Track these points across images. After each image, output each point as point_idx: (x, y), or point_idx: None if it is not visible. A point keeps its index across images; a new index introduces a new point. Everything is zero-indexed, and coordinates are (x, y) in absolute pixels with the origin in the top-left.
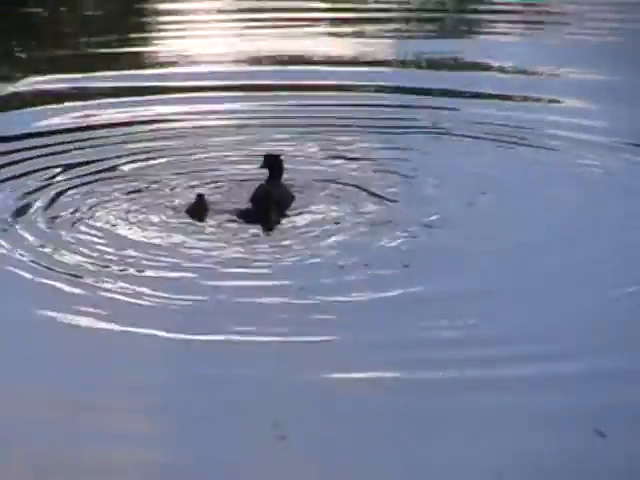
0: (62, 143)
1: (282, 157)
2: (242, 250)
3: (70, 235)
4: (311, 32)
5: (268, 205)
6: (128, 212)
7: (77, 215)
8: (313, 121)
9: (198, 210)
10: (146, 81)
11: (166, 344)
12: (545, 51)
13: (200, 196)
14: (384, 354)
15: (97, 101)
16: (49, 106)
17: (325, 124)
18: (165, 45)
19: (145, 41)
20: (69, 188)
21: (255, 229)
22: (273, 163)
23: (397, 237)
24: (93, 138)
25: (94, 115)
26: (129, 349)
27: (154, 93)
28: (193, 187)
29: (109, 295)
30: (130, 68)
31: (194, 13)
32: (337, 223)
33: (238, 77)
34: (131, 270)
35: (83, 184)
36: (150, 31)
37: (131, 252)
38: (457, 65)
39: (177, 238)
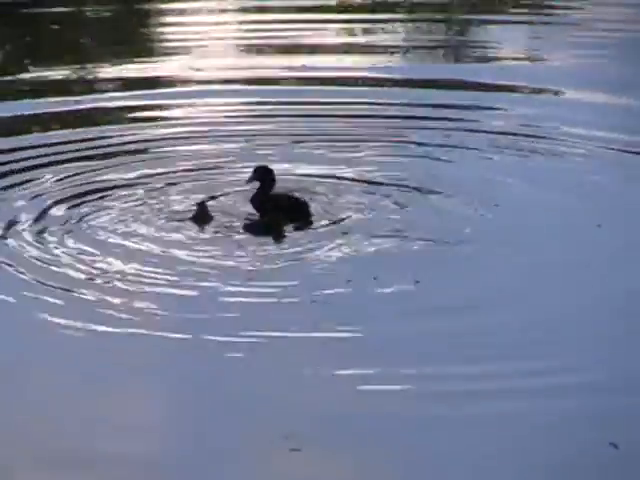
0: (55, 145)
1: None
2: (251, 262)
3: (66, 248)
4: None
5: (277, 215)
6: (126, 221)
7: (72, 225)
8: (318, 126)
9: (202, 218)
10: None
11: (177, 356)
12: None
13: (201, 204)
14: (398, 367)
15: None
16: (42, 99)
17: (329, 125)
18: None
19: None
20: (61, 197)
21: (263, 239)
22: (264, 175)
23: (408, 250)
24: (87, 140)
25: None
26: (138, 354)
27: (155, 87)
28: (191, 193)
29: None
30: (128, 63)
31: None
32: (344, 233)
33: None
34: (146, 287)
35: (77, 192)
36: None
37: (140, 266)
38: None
39: (185, 248)
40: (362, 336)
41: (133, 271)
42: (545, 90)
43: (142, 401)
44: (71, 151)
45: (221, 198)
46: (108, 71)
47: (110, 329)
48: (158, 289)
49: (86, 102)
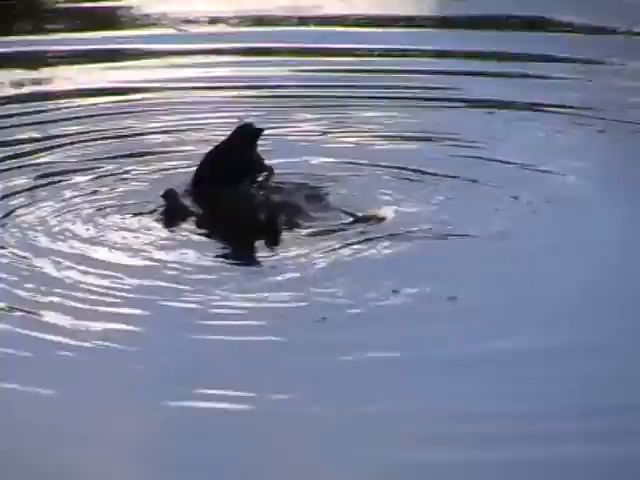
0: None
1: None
2: (242, 273)
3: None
4: None
5: (275, 216)
6: (70, 218)
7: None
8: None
9: (173, 213)
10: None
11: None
12: None
13: (170, 194)
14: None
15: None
16: None
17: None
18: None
19: None
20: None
21: (255, 242)
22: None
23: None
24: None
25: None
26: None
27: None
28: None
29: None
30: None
31: None
32: (362, 237)
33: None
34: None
35: (28, 182)
36: None
37: (95, 279)
38: None
39: (153, 257)
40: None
41: (83, 286)
42: None
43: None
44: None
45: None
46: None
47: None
48: (117, 310)
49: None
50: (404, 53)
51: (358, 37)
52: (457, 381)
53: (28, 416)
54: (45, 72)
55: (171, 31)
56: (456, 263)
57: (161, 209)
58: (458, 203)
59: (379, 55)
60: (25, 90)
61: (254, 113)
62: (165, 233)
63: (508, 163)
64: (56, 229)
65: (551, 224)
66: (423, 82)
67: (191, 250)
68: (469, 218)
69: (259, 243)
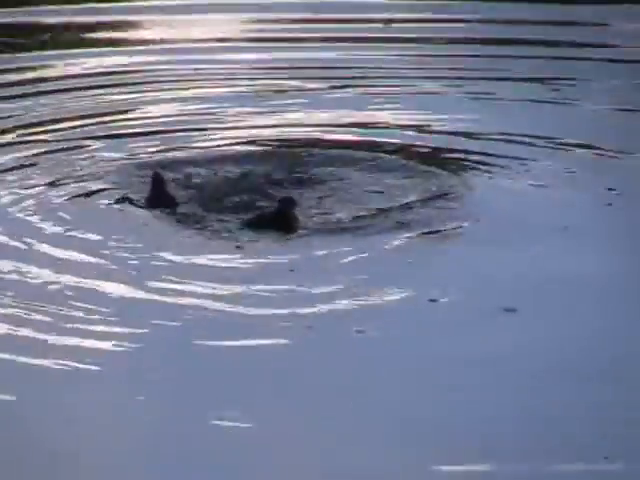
0: None
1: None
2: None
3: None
4: None
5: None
6: (42, 205)
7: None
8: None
9: (157, 198)
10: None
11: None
12: None
13: (157, 177)
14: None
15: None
16: None
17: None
18: None
19: None
20: None
21: (266, 237)
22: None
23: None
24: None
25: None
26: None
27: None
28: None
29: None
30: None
31: None
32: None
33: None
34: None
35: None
36: None
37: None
38: None
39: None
40: None
41: (57, 286)
42: None
43: None
44: None
45: (188, 170)
46: None
47: None
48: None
49: None
50: None
51: None
52: None
53: None
54: None
55: None
56: None
57: (145, 195)
58: None
59: None
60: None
61: None
62: (157, 226)
63: None
64: (22, 216)
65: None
66: None
67: (190, 247)
68: None
69: (267, 237)
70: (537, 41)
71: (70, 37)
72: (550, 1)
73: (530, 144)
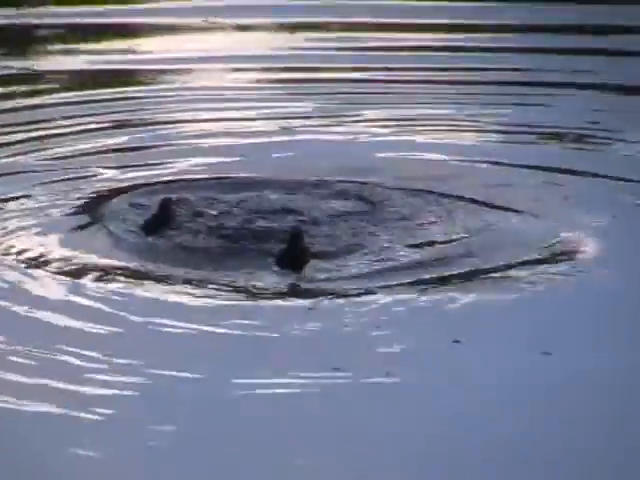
0: None
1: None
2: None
3: None
4: None
5: (301, 247)
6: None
7: None
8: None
9: (162, 220)
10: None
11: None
12: None
13: (167, 203)
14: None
15: None
16: None
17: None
18: None
19: None
20: None
21: (275, 275)
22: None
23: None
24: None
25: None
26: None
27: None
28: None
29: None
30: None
31: None
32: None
33: None
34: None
35: None
36: None
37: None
38: None
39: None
40: None
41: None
42: None
43: None
44: None
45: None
46: None
47: None
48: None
49: None
50: None
51: None
52: None
53: None
54: None
55: None
56: None
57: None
58: None
59: None
60: None
61: None
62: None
63: None
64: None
65: None
66: None
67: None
68: None
69: (278, 274)
70: None
71: None
72: None
73: None
